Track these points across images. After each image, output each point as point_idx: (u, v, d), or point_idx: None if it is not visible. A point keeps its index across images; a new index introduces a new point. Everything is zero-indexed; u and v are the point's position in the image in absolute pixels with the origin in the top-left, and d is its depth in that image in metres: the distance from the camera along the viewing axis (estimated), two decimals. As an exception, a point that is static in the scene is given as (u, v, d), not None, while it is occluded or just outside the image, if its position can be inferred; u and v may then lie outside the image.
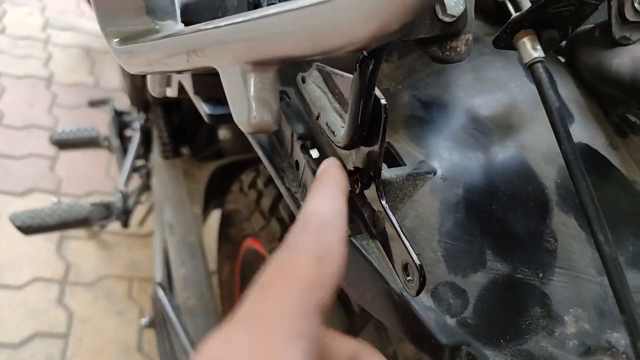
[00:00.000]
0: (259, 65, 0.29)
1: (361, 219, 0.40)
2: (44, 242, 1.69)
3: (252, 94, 0.29)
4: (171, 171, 1.19)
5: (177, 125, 1.31)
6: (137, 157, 1.38)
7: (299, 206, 0.46)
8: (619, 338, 0.35)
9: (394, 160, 0.40)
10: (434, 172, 0.38)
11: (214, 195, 1.19)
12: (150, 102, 1.36)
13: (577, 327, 0.35)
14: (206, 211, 1.27)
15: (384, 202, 0.36)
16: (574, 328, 0.35)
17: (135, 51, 0.39)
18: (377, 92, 0.34)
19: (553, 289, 0.35)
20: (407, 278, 0.34)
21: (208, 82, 0.55)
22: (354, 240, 0.39)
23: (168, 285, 1.07)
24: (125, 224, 1.30)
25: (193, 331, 0.98)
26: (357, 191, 0.39)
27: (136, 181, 1.51)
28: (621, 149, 0.44)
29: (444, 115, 0.41)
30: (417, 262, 0.33)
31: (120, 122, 1.47)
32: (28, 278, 1.59)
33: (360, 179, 0.39)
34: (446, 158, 0.39)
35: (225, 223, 1.18)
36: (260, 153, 0.50)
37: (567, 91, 0.45)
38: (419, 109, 0.42)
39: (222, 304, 1.30)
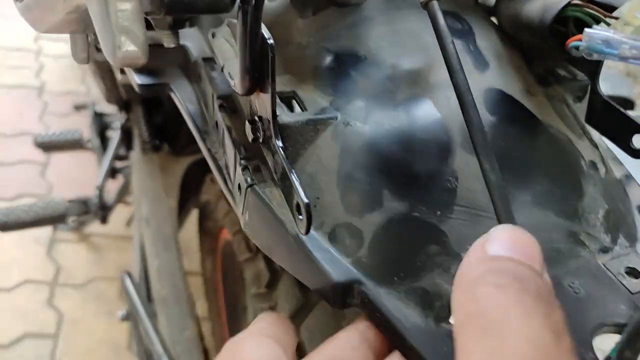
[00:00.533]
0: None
1: (267, 168, 0.39)
2: (34, 245, 1.69)
3: (114, 22, 0.29)
4: (149, 166, 1.19)
5: (159, 124, 1.31)
6: (118, 156, 1.38)
7: (217, 165, 0.45)
8: (517, 273, 0.33)
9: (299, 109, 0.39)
10: (336, 118, 0.38)
11: (190, 189, 1.18)
12: (130, 102, 1.36)
13: (473, 262, 0.34)
14: (184, 207, 1.27)
15: (278, 142, 0.35)
16: (470, 264, 0.34)
17: (30, 4, 0.39)
18: (265, 31, 0.34)
19: (451, 227, 0.34)
20: (299, 217, 0.33)
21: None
22: (257, 188, 0.38)
23: (144, 277, 1.06)
24: (103, 220, 1.30)
25: (167, 320, 0.97)
26: (261, 140, 0.39)
27: (120, 181, 1.51)
28: (539, 97, 0.43)
29: (352, 64, 0.41)
30: (304, 200, 0.32)
31: (101, 123, 1.47)
32: (17, 281, 1.60)
33: (263, 127, 0.38)
34: (350, 104, 0.38)
35: (202, 217, 1.18)
36: (185, 116, 0.50)
37: (487, 42, 0.44)
38: (328, 60, 0.42)
39: (207, 301, 1.29)
